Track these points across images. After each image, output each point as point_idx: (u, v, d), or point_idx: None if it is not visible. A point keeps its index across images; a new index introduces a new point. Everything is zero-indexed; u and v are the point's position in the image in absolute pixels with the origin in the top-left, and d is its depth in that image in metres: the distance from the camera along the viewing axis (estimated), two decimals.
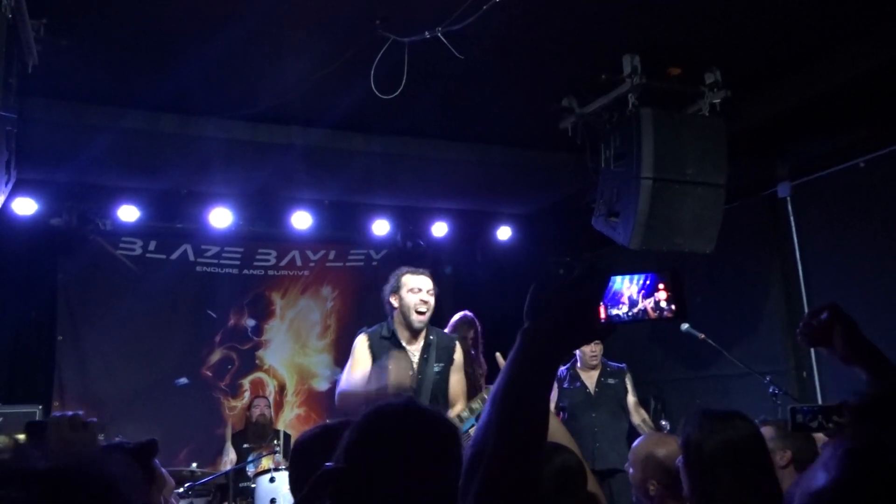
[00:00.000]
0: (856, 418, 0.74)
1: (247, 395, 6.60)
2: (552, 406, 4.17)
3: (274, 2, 3.57)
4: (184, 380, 6.33)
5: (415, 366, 3.69)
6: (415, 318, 3.74)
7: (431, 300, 3.79)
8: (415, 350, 3.76)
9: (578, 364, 5.46)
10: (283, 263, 6.90)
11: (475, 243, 7.24)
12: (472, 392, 4.12)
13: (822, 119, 4.64)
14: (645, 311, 1.13)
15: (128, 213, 5.92)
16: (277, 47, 4.05)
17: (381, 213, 6.66)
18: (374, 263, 7.20)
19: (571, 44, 4.11)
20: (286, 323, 6.93)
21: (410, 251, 6.96)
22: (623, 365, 5.52)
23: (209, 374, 6.56)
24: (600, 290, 1.10)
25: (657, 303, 1.12)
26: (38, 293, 6.00)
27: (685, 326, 4.95)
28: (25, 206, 5.57)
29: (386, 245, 7.06)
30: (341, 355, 7.00)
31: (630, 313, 1.15)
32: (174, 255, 6.51)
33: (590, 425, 5.28)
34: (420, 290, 3.80)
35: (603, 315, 1.15)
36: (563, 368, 5.18)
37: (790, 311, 5.19)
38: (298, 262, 6.96)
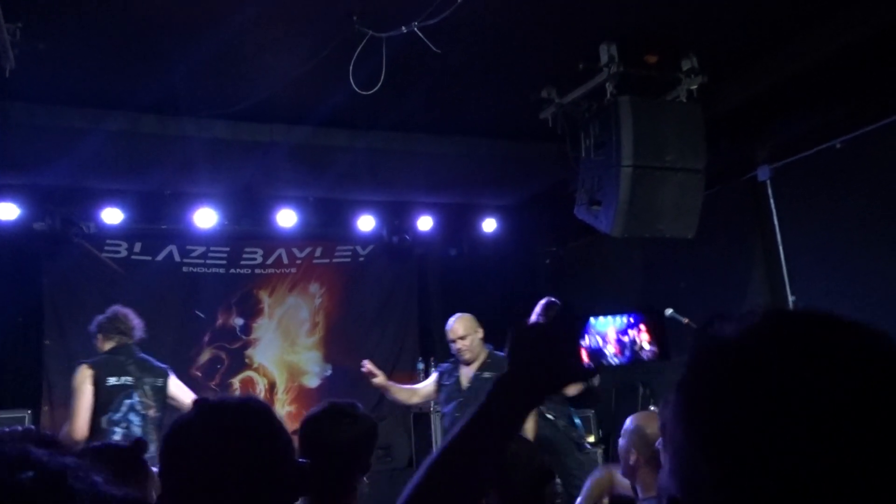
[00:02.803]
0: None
1: (237, 394, 6.61)
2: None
3: (252, 1, 3.59)
4: None
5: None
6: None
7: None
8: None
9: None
10: (269, 262, 6.91)
11: (461, 236, 7.29)
12: None
13: (798, 100, 4.71)
14: (632, 352, 1.14)
15: (112, 216, 5.91)
16: (257, 46, 4.07)
17: (366, 209, 6.68)
18: (361, 259, 7.22)
19: (548, 34, 4.15)
20: (275, 321, 6.94)
21: (397, 246, 7.00)
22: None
23: (199, 374, 6.57)
24: (578, 330, 1.09)
25: (640, 344, 1.13)
26: (23, 298, 5.99)
27: (669, 311, 5.01)
28: (8, 211, 5.56)
29: (372, 240, 7.09)
30: (330, 352, 7.04)
31: (614, 354, 1.16)
32: (160, 257, 6.51)
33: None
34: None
35: (585, 358, 1.14)
36: (446, 363, 4.82)
37: (773, 294, 5.26)
38: (285, 260, 6.97)
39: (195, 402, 1.50)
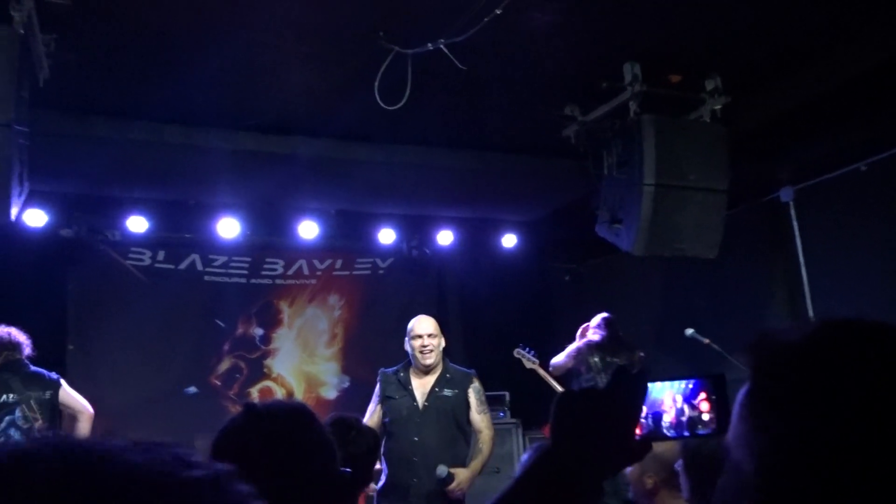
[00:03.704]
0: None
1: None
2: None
3: (278, 14, 3.64)
4: (193, 388, 6.38)
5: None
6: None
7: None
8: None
9: (411, 362, 4.28)
10: (290, 272, 6.95)
11: (480, 251, 7.28)
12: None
13: (823, 122, 4.67)
14: (690, 426, 0.96)
15: (137, 224, 5.99)
16: (282, 59, 4.11)
17: (386, 222, 6.71)
18: (381, 272, 7.24)
19: (572, 52, 4.16)
20: (294, 331, 6.97)
21: (416, 259, 7.01)
22: (472, 371, 4.38)
23: (218, 382, 6.61)
24: (639, 402, 0.92)
25: (698, 415, 0.97)
26: (48, 303, 6.06)
27: (690, 332, 4.99)
28: (36, 218, 5.65)
29: (392, 253, 7.11)
30: (349, 363, 7.06)
31: (671, 426, 0.97)
32: (182, 265, 6.57)
33: (409, 451, 3.99)
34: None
35: (638, 431, 0.94)
36: (392, 369, 4.32)
37: (794, 315, 5.20)
38: (305, 272, 7.01)
39: (244, 407, 1.49)
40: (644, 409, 0.93)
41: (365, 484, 2.16)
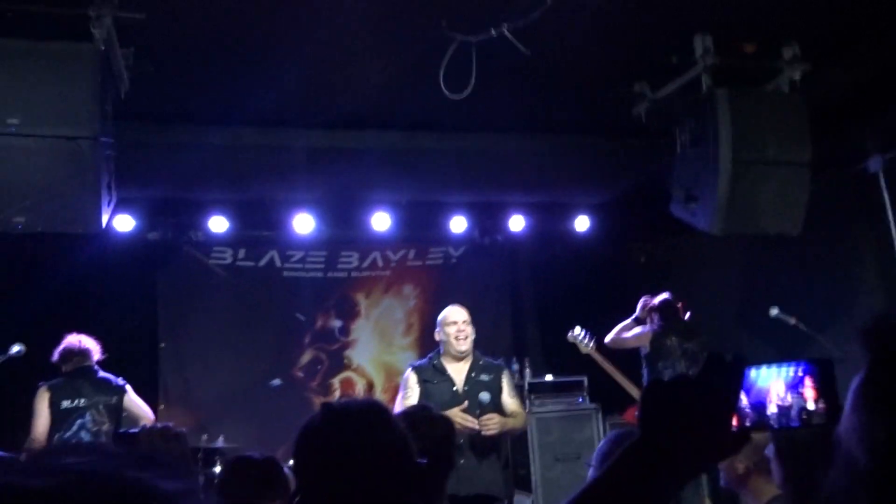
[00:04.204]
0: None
1: (337, 394, 6.80)
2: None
3: (344, 13, 3.69)
4: (277, 381, 6.57)
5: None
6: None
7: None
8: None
9: (441, 351, 4.37)
10: (365, 265, 7.07)
11: (553, 235, 7.21)
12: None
13: None
14: (800, 416, 0.90)
15: (218, 224, 6.21)
16: (348, 55, 4.17)
17: (457, 211, 6.73)
18: (454, 261, 7.28)
19: (639, 28, 4.05)
20: (371, 322, 7.09)
21: (488, 246, 7.01)
22: (500, 361, 4.56)
23: (300, 374, 6.80)
24: (736, 390, 0.86)
25: (804, 403, 0.91)
26: (140, 305, 6.37)
27: (775, 311, 4.82)
28: (124, 223, 5.94)
29: (464, 242, 7.13)
30: (425, 352, 7.07)
31: (776, 415, 0.92)
32: (262, 262, 6.78)
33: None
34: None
35: (735, 421, 0.89)
36: (425, 359, 4.43)
37: (886, 291, 4.95)
38: (380, 263, 7.11)
39: (322, 407, 1.55)
40: (744, 398, 0.88)
41: (447, 471, 2.20)
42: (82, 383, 4.67)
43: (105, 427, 4.62)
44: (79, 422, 4.57)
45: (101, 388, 4.73)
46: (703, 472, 0.77)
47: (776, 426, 0.91)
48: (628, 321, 5.56)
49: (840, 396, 0.87)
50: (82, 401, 4.62)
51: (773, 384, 0.91)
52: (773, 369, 0.91)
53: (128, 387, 4.85)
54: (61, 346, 4.72)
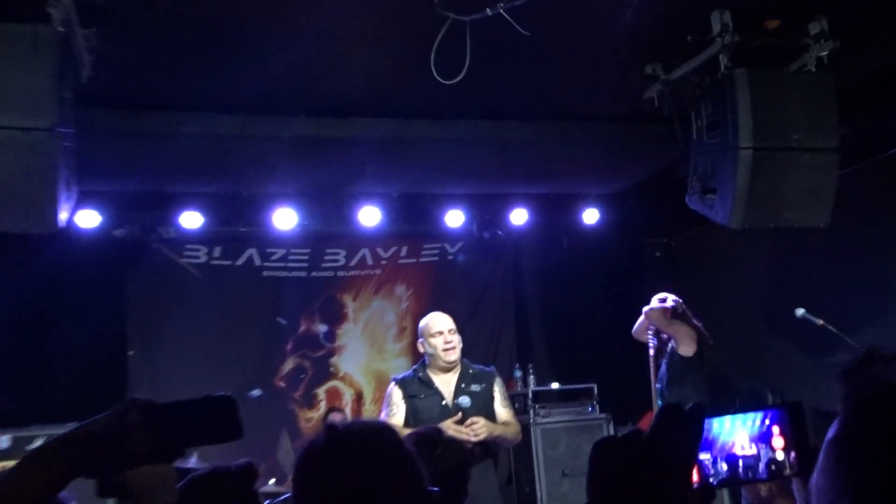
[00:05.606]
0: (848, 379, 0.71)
1: (322, 405, 6.82)
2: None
3: None
4: (257, 391, 6.58)
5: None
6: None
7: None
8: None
9: (427, 362, 4.39)
10: (352, 263, 7.08)
11: (559, 229, 7.23)
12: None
13: None
14: (766, 463, 0.91)
15: (191, 220, 6.21)
16: (334, 39, 4.16)
17: (454, 203, 6.74)
18: (450, 258, 7.29)
19: (650, 4, 4.05)
20: (360, 326, 7.10)
21: (488, 241, 7.03)
22: (491, 368, 4.55)
23: (282, 384, 6.81)
24: (695, 444, 0.84)
25: (774, 453, 0.91)
26: (106, 308, 6.36)
27: (801, 312, 4.84)
28: (89, 219, 5.93)
29: (461, 237, 7.15)
30: (420, 358, 7.14)
31: (746, 469, 0.91)
32: (240, 261, 6.78)
33: None
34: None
35: (696, 477, 0.89)
36: (409, 372, 4.46)
37: None
38: (369, 261, 7.12)
39: (326, 429, 1.56)
40: (709, 454, 0.89)
41: (460, 502, 2.20)
42: None
43: None
44: None
45: None
46: None
47: (747, 479, 0.91)
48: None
49: (809, 445, 0.88)
50: None
51: (737, 435, 0.92)
52: (738, 419, 0.92)
53: None
54: None
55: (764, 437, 0.92)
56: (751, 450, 0.91)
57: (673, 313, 5.19)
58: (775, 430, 0.92)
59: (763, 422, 0.92)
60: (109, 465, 1.19)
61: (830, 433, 0.72)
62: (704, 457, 0.89)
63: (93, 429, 1.15)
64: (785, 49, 4.33)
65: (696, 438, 0.85)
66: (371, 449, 1.49)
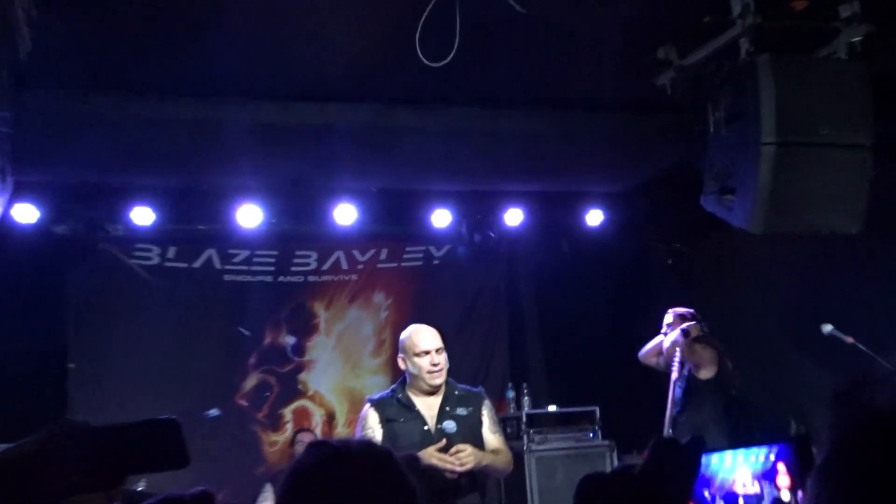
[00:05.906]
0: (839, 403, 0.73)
1: (289, 427, 6.81)
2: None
3: None
4: (215, 411, 6.57)
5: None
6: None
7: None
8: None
9: (408, 382, 4.32)
10: (325, 267, 7.08)
11: (558, 232, 7.26)
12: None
13: None
14: (771, 502, 0.94)
15: (141, 216, 6.19)
16: (307, 14, 4.17)
17: (440, 201, 6.76)
18: (436, 262, 7.31)
19: None
20: (333, 339, 7.11)
21: (479, 245, 7.04)
22: (479, 388, 4.54)
23: (244, 403, 6.80)
24: (691, 480, 0.89)
25: (776, 494, 0.94)
26: (44, 314, 6.32)
27: (828, 328, 4.88)
28: (26, 214, 5.88)
29: (449, 239, 7.16)
30: (399, 375, 7.14)
31: None
32: (197, 263, 6.77)
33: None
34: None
35: None
36: (386, 392, 4.43)
37: None
38: (344, 265, 7.12)
39: (312, 447, 1.59)
40: (707, 492, 0.92)
41: None
42: None
43: None
44: None
45: None
46: None
47: None
48: None
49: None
50: None
51: (738, 472, 0.93)
52: (739, 454, 0.94)
53: None
54: None
55: (768, 475, 0.93)
56: (753, 488, 0.93)
57: (695, 339, 5.21)
58: (780, 467, 0.92)
59: (767, 457, 0.93)
60: (34, 496, 1.18)
61: (819, 459, 0.74)
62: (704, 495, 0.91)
63: (11, 457, 1.14)
64: (813, 33, 4.37)
65: (692, 475, 0.87)
66: (367, 468, 1.52)
